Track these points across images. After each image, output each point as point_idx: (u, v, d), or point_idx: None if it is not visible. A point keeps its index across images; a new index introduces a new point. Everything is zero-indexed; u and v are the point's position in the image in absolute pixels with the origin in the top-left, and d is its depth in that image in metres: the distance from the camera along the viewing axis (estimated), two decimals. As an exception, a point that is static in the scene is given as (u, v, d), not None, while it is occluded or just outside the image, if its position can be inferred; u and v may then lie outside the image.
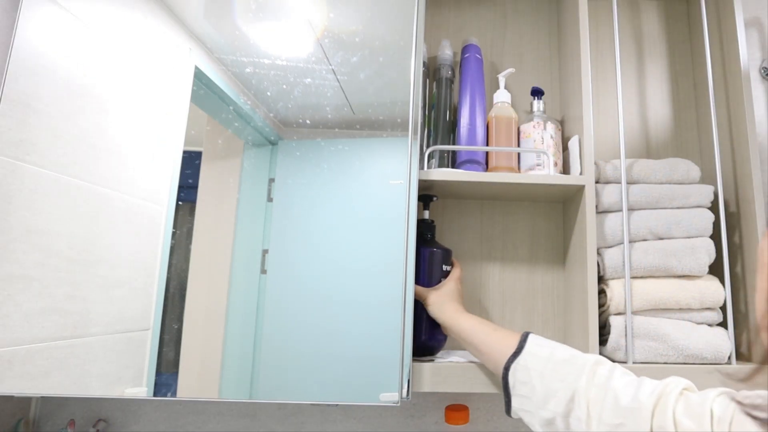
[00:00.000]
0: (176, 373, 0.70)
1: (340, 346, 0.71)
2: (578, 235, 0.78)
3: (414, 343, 0.70)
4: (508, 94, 0.87)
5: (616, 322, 0.72)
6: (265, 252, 0.74)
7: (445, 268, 0.77)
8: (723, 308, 0.74)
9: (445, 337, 0.76)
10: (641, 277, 0.74)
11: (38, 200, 0.69)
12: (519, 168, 0.85)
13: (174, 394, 0.70)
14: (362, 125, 0.77)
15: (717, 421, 0.41)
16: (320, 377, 0.71)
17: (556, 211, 0.90)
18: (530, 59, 0.95)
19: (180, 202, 0.74)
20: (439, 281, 0.75)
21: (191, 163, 0.75)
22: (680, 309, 0.73)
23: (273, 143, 0.77)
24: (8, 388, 0.65)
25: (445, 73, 0.88)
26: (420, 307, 0.74)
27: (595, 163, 0.77)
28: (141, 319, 0.71)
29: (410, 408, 0.87)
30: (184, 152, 0.75)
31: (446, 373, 0.70)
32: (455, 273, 0.76)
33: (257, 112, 0.78)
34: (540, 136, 0.83)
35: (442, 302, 0.72)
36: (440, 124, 0.86)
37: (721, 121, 0.83)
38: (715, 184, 0.78)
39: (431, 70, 0.91)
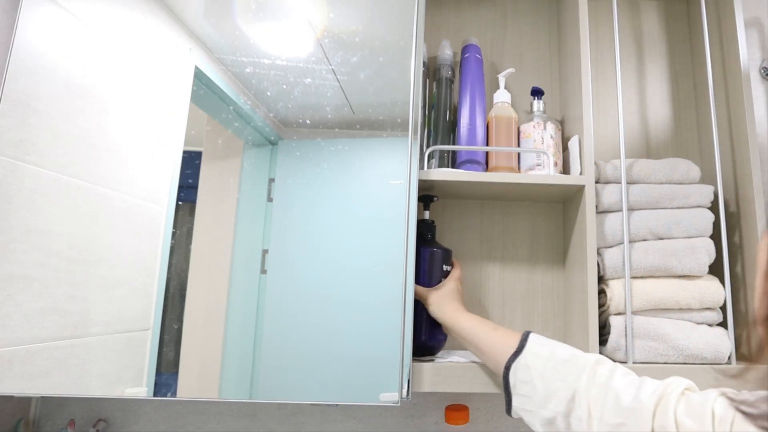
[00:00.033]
0: (176, 373, 0.70)
1: (340, 346, 0.71)
2: (578, 235, 0.78)
3: (414, 343, 0.70)
4: (508, 94, 0.87)
5: (616, 322, 0.72)
6: (265, 252, 0.74)
7: (445, 268, 0.77)
8: (723, 308, 0.74)
9: (445, 337, 0.76)
10: (641, 277, 0.74)
11: (38, 200, 0.69)
12: (519, 168, 0.85)
13: (174, 394, 0.70)
14: (362, 125, 0.77)
15: (718, 421, 0.41)
16: (320, 377, 0.71)
17: (556, 211, 0.90)
18: (530, 59, 0.95)
19: (180, 202, 0.74)
20: (439, 281, 0.75)
21: (191, 163, 0.75)
22: (680, 309, 0.73)
23: (273, 143, 0.77)
24: (8, 388, 0.65)
25: (445, 73, 0.88)
26: (420, 307, 0.74)
27: (595, 163, 0.77)
28: (141, 319, 0.71)
29: (410, 408, 0.87)
30: (184, 152, 0.75)
31: (446, 373, 0.70)
32: (455, 273, 0.76)
33: (257, 112, 0.78)
34: (540, 136, 0.83)
35: (443, 302, 0.72)
36: (440, 124, 0.86)
37: (721, 121, 0.83)
38: (715, 184, 0.78)
39: (431, 70, 0.91)
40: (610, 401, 0.49)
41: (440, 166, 0.84)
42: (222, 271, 0.74)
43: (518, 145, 0.85)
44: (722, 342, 0.71)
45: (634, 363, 0.71)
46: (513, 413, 0.60)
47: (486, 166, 0.85)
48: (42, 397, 0.85)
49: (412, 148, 0.74)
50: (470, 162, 0.83)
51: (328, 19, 0.80)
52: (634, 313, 0.72)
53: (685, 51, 0.95)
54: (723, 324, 0.74)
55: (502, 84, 0.88)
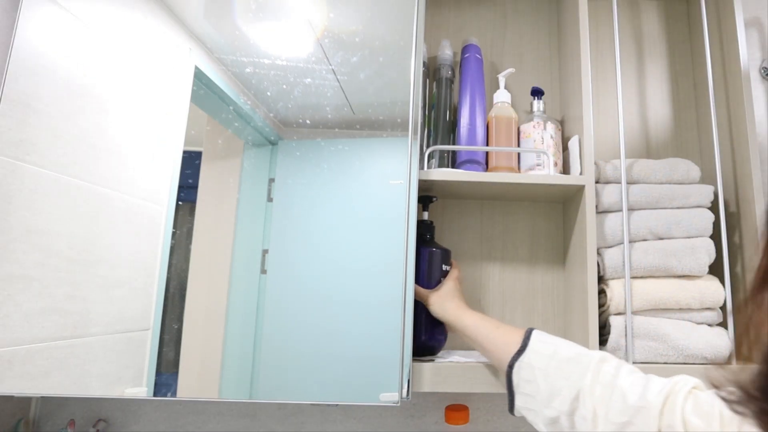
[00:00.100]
0: (176, 373, 0.70)
1: (340, 346, 0.71)
2: (578, 235, 0.78)
3: (414, 343, 0.70)
4: (508, 94, 0.87)
5: (616, 322, 0.72)
6: (265, 252, 0.74)
7: (444, 268, 0.77)
8: (723, 308, 0.74)
9: (445, 337, 0.76)
10: (641, 277, 0.74)
11: (38, 200, 0.69)
12: (519, 168, 0.85)
13: (174, 394, 0.70)
14: (362, 125, 0.77)
15: (728, 421, 0.40)
16: (320, 377, 0.71)
17: (556, 211, 0.90)
18: (530, 59, 0.95)
19: (180, 202, 0.74)
20: (439, 281, 0.75)
21: (191, 163, 0.75)
22: (680, 309, 0.73)
23: (273, 143, 0.77)
24: (8, 388, 0.65)
25: (445, 73, 0.88)
26: (420, 307, 0.74)
27: (595, 163, 0.77)
28: (141, 319, 0.71)
29: (410, 408, 0.87)
30: (184, 152, 0.75)
31: (446, 373, 0.70)
32: (453, 273, 0.76)
33: (257, 112, 0.78)
34: (540, 136, 0.83)
35: (444, 300, 0.72)
36: (440, 124, 0.86)
37: (721, 121, 0.83)
38: (715, 184, 0.78)
39: (431, 70, 0.91)
40: (616, 400, 0.49)
41: (440, 166, 0.84)
42: (222, 271, 0.74)
43: (518, 145, 0.85)
44: (722, 342, 0.71)
45: (633, 363, 0.71)
46: (516, 412, 0.59)
47: (486, 166, 0.85)
48: (42, 397, 0.85)
49: (412, 148, 0.74)
50: (470, 162, 0.83)
51: (328, 19, 0.80)
52: (634, 313, 0.72)
53: (685, 51, 0.95)
54: (723, 324, 0.75)
55: (502, 84, 0.88)
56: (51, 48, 0.73)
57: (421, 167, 0.78)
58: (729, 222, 0.77)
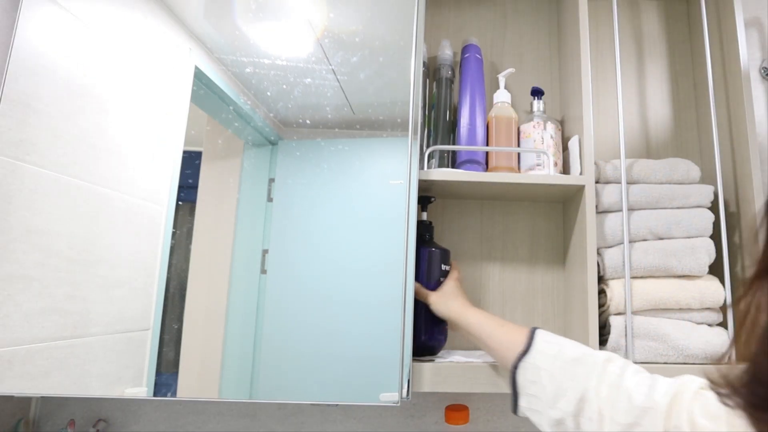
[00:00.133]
0: (176, 373, 0.70)
1: (340, 346, 0.71)
2: (578, 235, 0.78)
3: (414, 343, 0.70)
4: (508, 94, 0.87)
5: (616, 322, 0.72)
6: (265, 252, 0.74)
7: (443, 267, 0.77)
8: (723, 308, 0.74)
9: (445, 336, 0.76)
10: (641, 277, 0.74)
11: (38, 200, 0.69)
12: (519, 168, 0.85)
13: (174, 394, 0.70)
14: (362, 125, 0.77)
15: (735, 421, 0.40)
16: (320, 377, 0.71)
17: (556, 211, 0.90)
18: (530, 59, 0.95)
19: (180, 202, 0.74)
20: (438, 281, 0.75)
21: (191, 163, 0.75)
22: (680, 309, 0.73)
23: (273, 143, 0.77)
24: (8, 388, 0.65)
25: (445, 73, 0.88)
26: (420, 307, 0.73)
27: (595, 163, 0.77)
28: (141, 319, 0.71)
29: (410, 408, 0.87)
30: (184, 152, 0.75)
31: (446, 373, 0.70)
32: (454, 274, 0.76)
33: (257, 112, 0.78)
34: (540, 136, 0.83)
35: (447, 299, 0.72)
36: (440, 124, 0.86)
37: (721, 121, 0.83)
38: (715, 184, 0.78)
39: (431, 70, 0.91)
40: (622, 401, 0.48)
41: (440, 166, 0.84)
42: (222, 271, 0.74)
43: (518, 145, 0.85)
44: (722, 342, 0.71)
45: (634, 363, 0.71)
46: (519, 412, 0.59)
47: (486, 166, 0.85)
48: (42, 397, 0.85)
49: (412, 148, 0.74)
50: (470, 162, 0.83)
51: (328, 19, 0.80)
52: (634, 313, 0.72)
53: (685, 51, 0.95)
54: (723, 324, 0.74)
55: (502, 84, 0.88)
56: (51, 48, 0.73)
57: (421, 167, 0.78)
58: (729, 222, 0.77)
